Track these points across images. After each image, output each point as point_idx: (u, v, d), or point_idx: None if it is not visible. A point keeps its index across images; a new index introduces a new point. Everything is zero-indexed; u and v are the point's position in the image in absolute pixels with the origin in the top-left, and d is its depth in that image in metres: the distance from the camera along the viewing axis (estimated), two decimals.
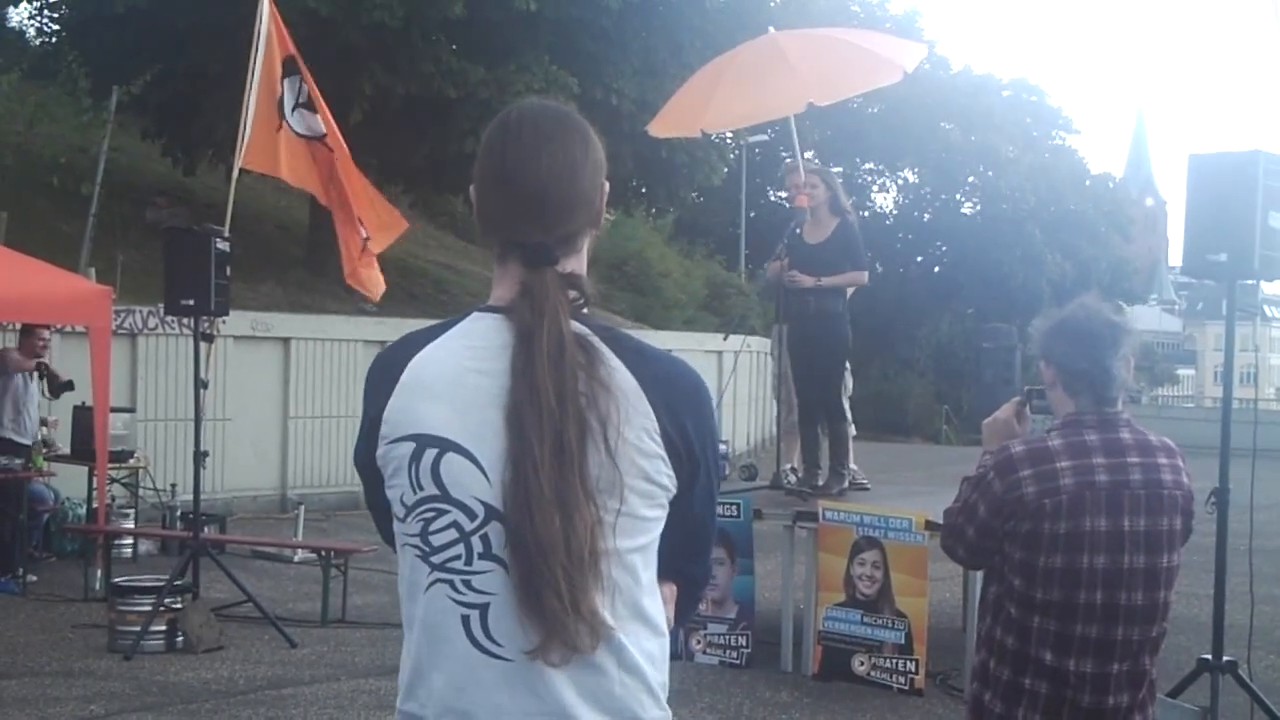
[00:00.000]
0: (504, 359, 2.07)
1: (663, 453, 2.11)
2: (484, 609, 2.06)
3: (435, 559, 2.10)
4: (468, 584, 2.07)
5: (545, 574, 1.98)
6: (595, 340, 2.10)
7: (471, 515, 2.07)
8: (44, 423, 12.26)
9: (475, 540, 2.06)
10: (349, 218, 11.04)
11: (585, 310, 2.14)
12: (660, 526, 2.16)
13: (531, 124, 2.18)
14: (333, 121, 10.87)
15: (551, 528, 1.98)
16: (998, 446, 3.83)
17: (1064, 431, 3.72)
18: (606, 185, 2.24)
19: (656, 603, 2.17)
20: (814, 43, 10.24)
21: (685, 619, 2.42)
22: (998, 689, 3.72)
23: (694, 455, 2.16)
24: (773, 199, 43.68)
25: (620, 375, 2.08)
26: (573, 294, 2.12)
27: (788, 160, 11.78)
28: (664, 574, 2.21)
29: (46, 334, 12.06)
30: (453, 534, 2.08)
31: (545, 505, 1.98)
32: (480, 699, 2.07)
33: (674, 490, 2.16)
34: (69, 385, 11.98)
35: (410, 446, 2.10)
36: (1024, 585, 3.66)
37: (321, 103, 10.72)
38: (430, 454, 2.09)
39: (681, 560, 2.27)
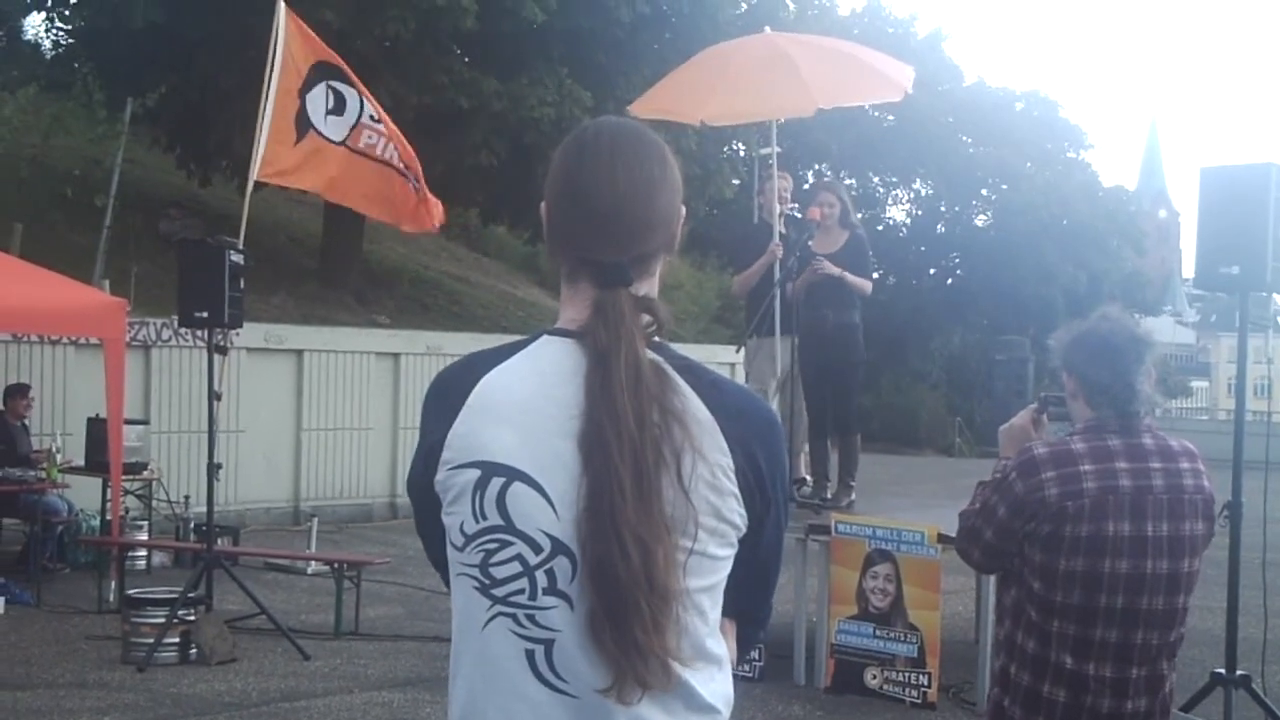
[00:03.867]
0: (573, 386, 1.99)
1: (736, 490, 2.03)
2: (549, 645, 1.98)
3: (497, 592, 2.01)
4: (532, 619, 1.99)
5: (627, 608, 1.90)
6: (669, 369, 2.02)
7: (537, 549, 1.98)
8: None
9: (540, 575, 1.98)
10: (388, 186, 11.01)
11: (658, 338, 2.06)
12: (729, 566, 2.09)
13: (609, 140, 2.12)
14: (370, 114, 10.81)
15: (634, 560, 1.90)
16: (1016, 451, 3.83)
17: (1086, 435, 3.71)
18: (684, 210, 2.17)
19: (721, 643, 2.11)
20: (818, 50, 10.31)
21: (743, 658, 2.33)
22: (1017, 695, 3.72)
23: (766, 493, 2.09)
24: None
25: (695, 408, 2.00)
26: (646, 319, 2.04)
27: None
28: (725, 610, 2.13)
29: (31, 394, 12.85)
30: (516, 567, 1.99)
31: (629, 535, 1.90)
32: None
33: (744, 529, 2.07)
34: None
35: (475, 474, 2.01)
36: (1043, 588, 3.66)
37: (365, 97, 10.72)
38: (496, 483, 2.00)
39: (745, 599, 2.19)
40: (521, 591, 2.00)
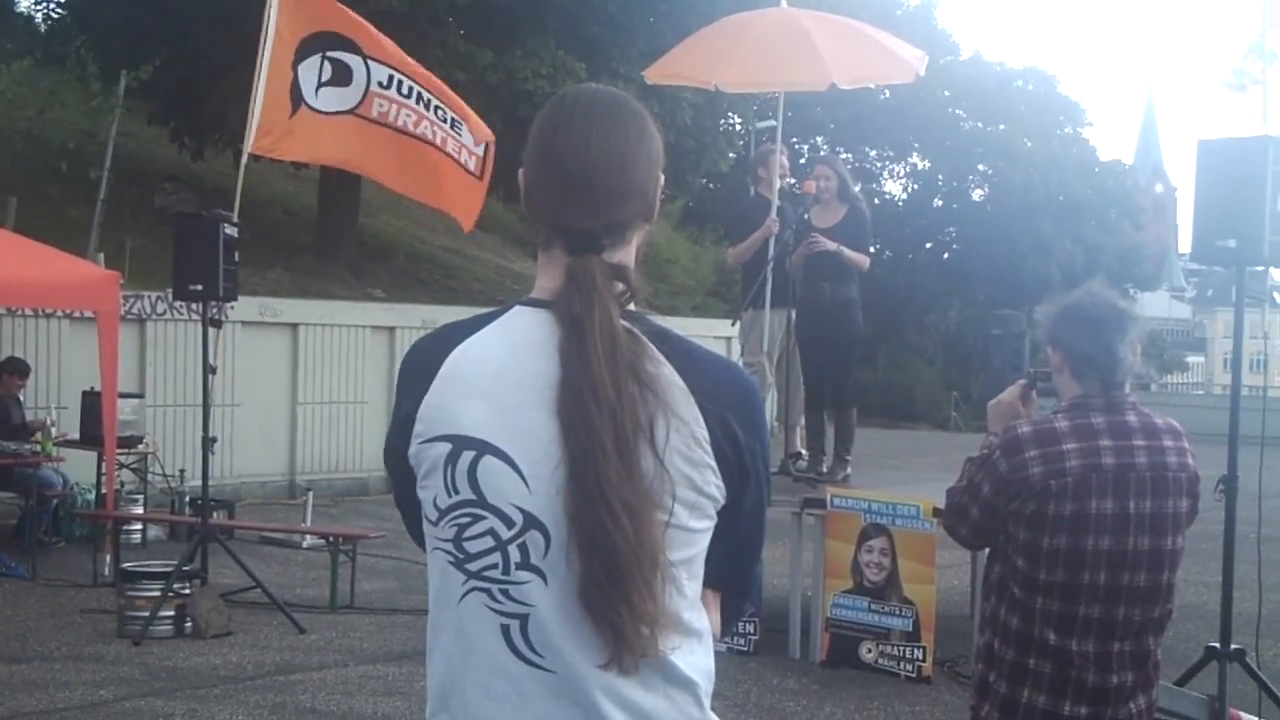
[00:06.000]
0: (544, 357, 1.96)
1: (712, 462, 2.00)
2: (524, 619, 1.97)
3: (471, 566, 2.00)
4: (506, 593, 1.98)
5: (626, 576, 1.89)
6: (642, 338, 1.99)
7: (509, 523, 1.97)
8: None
9: (513, 549, 1.97)
10: (417, 163, 10.50)
11: (631, 306, 2.03)
12: (707, 538, 2.06)
13: (585, 105, 2.09)
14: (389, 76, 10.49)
15: (626, 527, 1.88)
16: (1003, 427, 3.83)
17: (1070, 413, 3.71)
18: (662, 178, 2.13)
19: (701, 616, 2.08)
20: (835, 27, 10.32)
21: (729, 629, 2.31)
22: (1002, 669, 3.73)
23: (744, 465, 2.06)
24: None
25: (668, 377, 1.97)
26: (619, 286, 2.01)
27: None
28: (708, 582, 2.11)
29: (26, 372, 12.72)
30: (489, 541, 1.98)
31: (618, 502, 1.88)
32: (522, 710, 1.99)
33: (722, 501, 2.05)
34: None
35: (446, 448, 2.00)
36: (1027, 566, 3.67)
37: (385, 54, 10.46)
38: (467, 457, 1.98)
39: (727, 572, 2.17)
40: (495, 566, 1.98)
